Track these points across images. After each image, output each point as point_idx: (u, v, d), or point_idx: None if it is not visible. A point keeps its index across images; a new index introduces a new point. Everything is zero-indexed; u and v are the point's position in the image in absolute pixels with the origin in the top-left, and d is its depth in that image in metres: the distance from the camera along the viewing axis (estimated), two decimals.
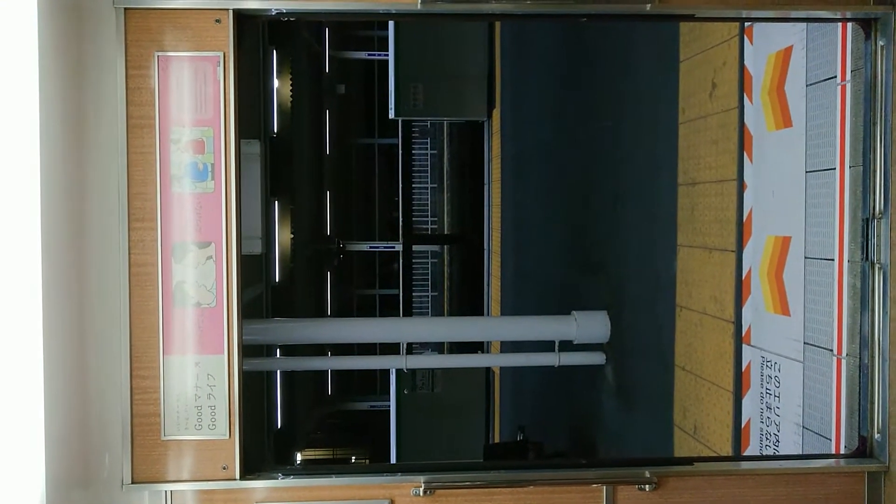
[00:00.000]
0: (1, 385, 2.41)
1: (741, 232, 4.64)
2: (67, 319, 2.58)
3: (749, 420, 4.55)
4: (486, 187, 15.76)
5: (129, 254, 2.84)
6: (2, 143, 2.40)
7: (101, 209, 2.79)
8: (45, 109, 2.43)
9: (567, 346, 7.51)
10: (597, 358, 7.48)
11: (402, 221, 17.65)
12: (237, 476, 2.89)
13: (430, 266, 20.31)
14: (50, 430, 2.44)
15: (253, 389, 11.52)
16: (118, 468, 2.86)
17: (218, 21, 2.83)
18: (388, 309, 22.75)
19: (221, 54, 2.83)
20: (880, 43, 3.02)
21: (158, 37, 2.83)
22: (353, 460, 20.47)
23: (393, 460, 13.89)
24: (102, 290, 2.79)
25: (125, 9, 2.82)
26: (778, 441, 4.22)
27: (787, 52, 4.07)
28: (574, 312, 7.39)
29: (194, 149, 2.84)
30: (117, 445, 2.86)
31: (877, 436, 3.05)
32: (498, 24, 13.21)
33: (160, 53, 2.82)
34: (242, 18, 2.89)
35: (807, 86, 3.90)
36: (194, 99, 2.83)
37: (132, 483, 2.86)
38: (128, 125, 2.82)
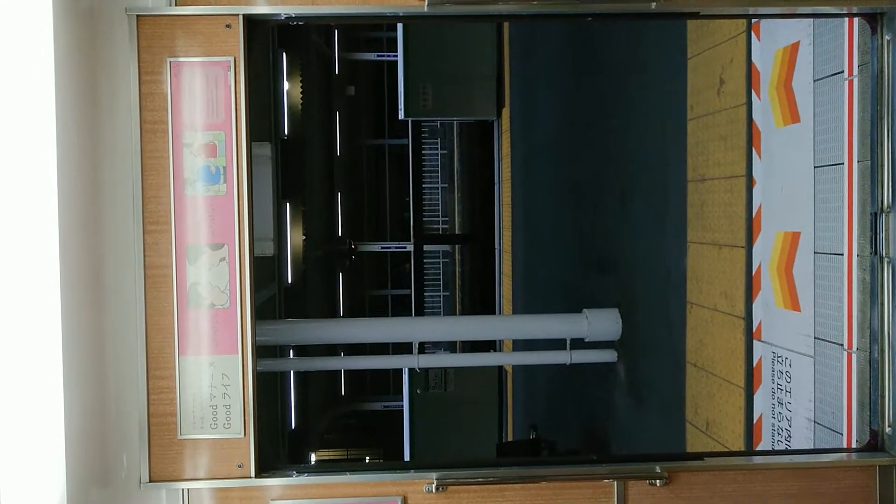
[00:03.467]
0: (22, 387, 2.47)
1: (751, 228, 4.64)
2: (85, 322, 2.63)
3: (761, 416, 4.55)
4: (496, 186, 15.78)
5: (144, 256, 2.89)
6: (19, 149, 2.45)
7: (116, 212, 2.84)
8: (61, 115, 2.48)
9: (579, 344, 7.52)
10: (608, 356, 7.49)
11: (413, 222, 17.70)
12: (252, 474, 2.93)
13: (441, 266, 20.34)
14: (69, 430, 2.49)
15: (267, 391, 11.60)
16: (136, 467, 2.91)
17: (228, 26, 2.88)
18: (399, 309, 22.81)
19: (232, 59, 2.88)
20: (886, 37, 3.02)
21: (170, 43, 2.87)
22: (366, 461, 20.52)
23: (406, 460, 13.91)
24: (118, 292, 2.84)
25: (137, 16, 2.87)
26: (790, 436, 4.22)
27: (794, 47, 4.07)
28: (585, 310, 7.41)
29: (206, 152, 2.88)
30: (135, 445, 2.91)
31: (887, 429, 3.05)
32: (506, 24, 13.23)
33: (172, 59, 2.87)
34: (252, 23, 2.93)
35: (814, 81, 3.90)
36: (206, 103, 2.88)
37: (150, 481, 2.91)
38: (141, 130, 2.87)
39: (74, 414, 2.52)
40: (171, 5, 2.88)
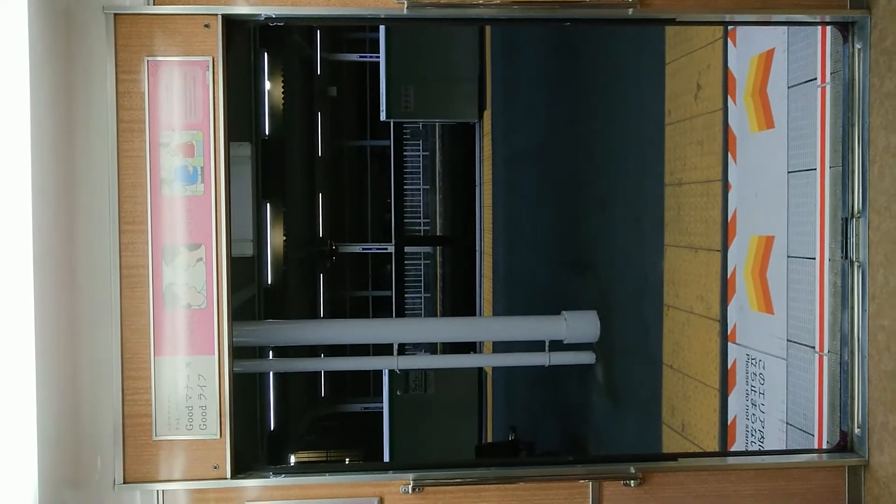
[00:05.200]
0: None
1: (726, 232, 4.70)
2: (59, 322, 2.61)
3: (735, 417, 4.61)
4: (477, 188, 15.82)
5: (120, 256, 2.87)
6: None
7: (92, 212, 2.82)
8: (36, 114, 2.47)
9: (558, 345, 7.56)
10: (587, 357, 7.54)
11: (395, 223, 17.69)
12: (228, 475, 2.92)
13: (422, 267, 20.36)
14: (42, 431, 2.47)
15: (246, 392, 11.54)
16: (110, 468, 2.89)
17: (207, 26, 2.87)
18: (380, 310, 22.78)
19: (210, 59, 2.87)
20: (857, 46, 3.09)
21: (148, 42, 2.86)
22: (346, 462, 20.47)
23: (385, 461, 13.89)
24: (94, 292, 2.83)
25: (115, 14, 2.85)
26: (763, 437, 4.28)
27: (769, 54, 4.14)
28: (564, 312, 7.45)
29: (184, 152, 2.88)
30: (109, 446, 2.89)
31: (857, 431, 3.11)
32: (488, 27, 13.28)
33: (150, 58, 2.86)
34: (231, 23, 2.93)
35: (788, 88, 3.97)
36: (184, 103, 2.87)
37: (124, 483, 2.89)
38: (118, 129, 2.86)
39: (47, 415, 2.50)
40: (149, 4, 2.87)
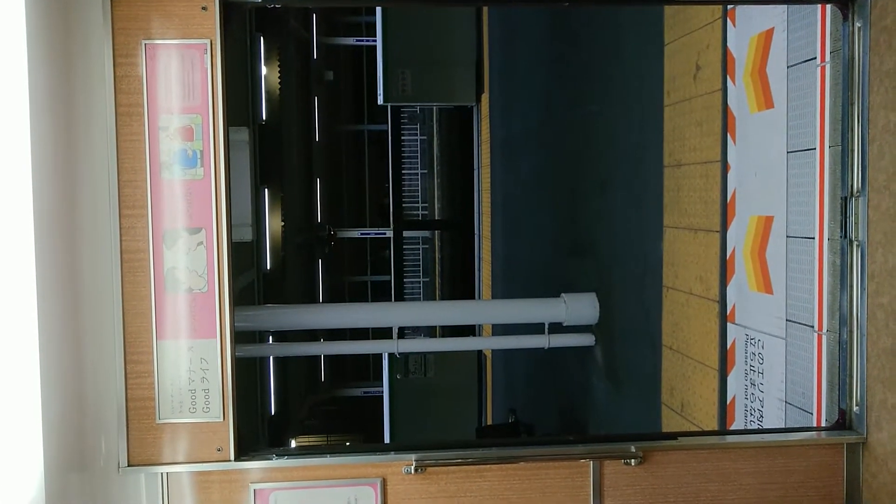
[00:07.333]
0: None
1: (725, 212, 4.71)
2: (62, 307, 2.62)
3: (734, 397, 4.64)
4: (475, 172, 15.80)
5: (121, 241, 2.87)
6: None
7: (91, 197, 2.82)
8: (34, 99, 2.46)
9: (557, 328, 7.59)
10: (586, 339, 7.57)
11: (393, 207, 17.67)
12: (231, 457, 2.94)
13: (421, 252, 20.36)
14: (47, 416, 2.48)
15: (246, 377, 11.58)
16: (114, 452, 2.90)
17: (204, 9, 2.86)
18: (379, 295, 22.83)
19: (208, 42, 2.86)
20: (857, 24, 3.07)
21: (145, 25, 2.85)
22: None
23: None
24: (95, 277, 2.83)
25: None
26: (762, 417, 4.31)
27: (769, 34, 4.12)
28: (563, 295, 7.47)
29: (183, 136, 2.87)
30: (113, 429, 2.90)
31: (855, 409, 3.13)
32: (486, 9, 13.19)
33: (147, 41, 2.85)
34: (229, 6, 2.91)
35: (787, 67, 3.95)
36: (182, 86, 2.86)
37: (128, 466, 2.91)
38: (116, 113, 2.85)
39: (51, 399, 2.51)
40: None
